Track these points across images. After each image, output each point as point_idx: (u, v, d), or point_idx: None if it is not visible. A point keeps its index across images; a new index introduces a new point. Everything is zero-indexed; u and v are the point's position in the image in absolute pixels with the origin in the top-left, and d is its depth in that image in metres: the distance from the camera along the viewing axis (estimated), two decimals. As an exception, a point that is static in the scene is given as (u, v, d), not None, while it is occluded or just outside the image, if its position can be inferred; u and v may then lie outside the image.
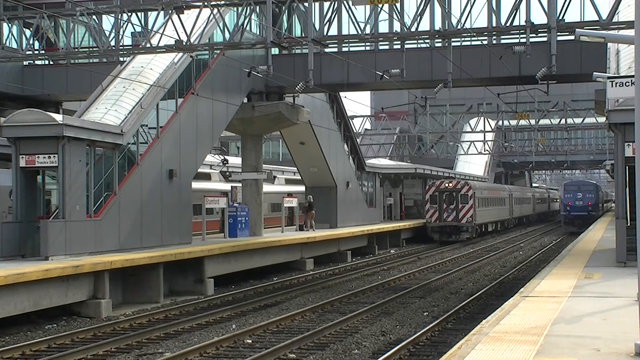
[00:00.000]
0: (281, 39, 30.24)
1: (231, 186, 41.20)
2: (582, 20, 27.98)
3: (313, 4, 29.34)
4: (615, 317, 13.99)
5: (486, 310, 22.12)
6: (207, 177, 43.70)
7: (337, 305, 25.36)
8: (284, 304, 25.71)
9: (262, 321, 21.77)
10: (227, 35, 29.83)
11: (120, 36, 30.53)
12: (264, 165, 40.59)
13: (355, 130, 56.78)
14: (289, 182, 55.24)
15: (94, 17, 33.40)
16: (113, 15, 30.65)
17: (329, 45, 30.35)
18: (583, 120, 69.01)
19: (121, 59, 33.22)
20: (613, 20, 26.65)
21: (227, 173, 44.96)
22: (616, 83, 15.42)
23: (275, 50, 33.30)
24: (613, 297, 16.35)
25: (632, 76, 13.69)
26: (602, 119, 46.79)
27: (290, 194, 44.52)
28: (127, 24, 31.08)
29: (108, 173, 27.46)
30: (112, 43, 30.09)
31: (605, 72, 26.36)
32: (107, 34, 31.35)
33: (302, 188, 46.42)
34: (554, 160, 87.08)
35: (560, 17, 27.34)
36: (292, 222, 46.32)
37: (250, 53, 33.37)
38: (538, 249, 50.61)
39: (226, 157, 48.54)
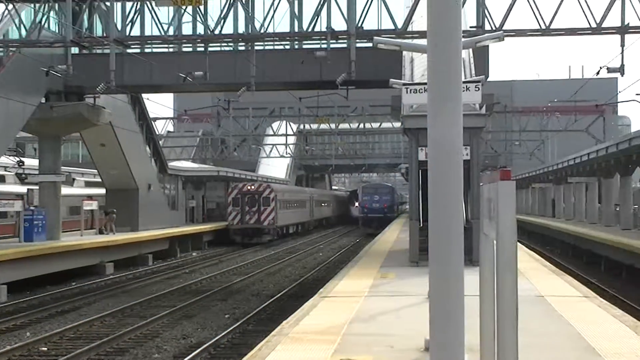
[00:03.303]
0: (82, 38, 29.46)
1: (27, 189, 39.69)
2: (379, 28, 28.95)
3: (115, 3, 28.76)
4: (408, 314, 14.58)
5: (287, 311, 22.44)
6: (0, 179, 41.87)
7: (137, 309, 25.01)
8: (82, 309, 25.08)
9: (59, 327, 21.15)
10: (23, 32, 28.72)
11: None
12: (62, 167, 39.35)
13: (157, 133, 56.10)
14: (89, 184, 53.80)
15: None
16: None
17: (132, 46, 29.86)
18: (380, 125, 71.37)
19: None
20: (408, 30, 27.79)
21: (23, 175, 43.22)
22: (410, 90, 16.11)
23: (75, 50, 32.38)
24: (406, 296, 16.98)
25: (425, 83, 14.32)
26: (398, 124, 48.56)
27: (90, 197, 43.41)
28: None
29: None
30: None
31: (401, 79, 27.40)
32: None
33: (102, 191, 45.39)
34: (353, 163, 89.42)
35: (359, 25, 28.20)
36: (92, 225, 45.15)
37: (49, 51, 32.27)
38: (337, 250, 51.86)
39: (22, 158, 46.64)
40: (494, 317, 5.80)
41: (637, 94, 34.31)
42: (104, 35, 30.84)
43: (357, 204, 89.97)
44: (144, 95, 44.85)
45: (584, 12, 27.24)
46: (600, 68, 29.19)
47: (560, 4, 27.41)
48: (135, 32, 30.15)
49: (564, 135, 66.42)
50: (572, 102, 55.61)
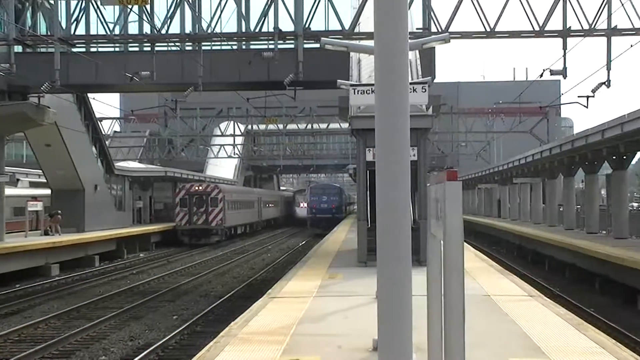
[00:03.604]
0: (25, 37, 29.03)
1: (-30, 189, 38.98)
2: (326, 29, 29.04)
3: (59, 1, 28.41)
4: (356, 315, 14.63)
5: (235, 312, 22.38)
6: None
7: (84, 311, 24.76)
8: (27, 312, 24.74)
9: (3, 330, 20.84)
10: (-35, 30, 28.24)
11: None
12: (6, 168, 38.74)
13: (104, 133, 55.55)
14: (33, 185, 53.09)
15: None
16: None
17: (77, 45, 29.52)
18: (328, 126, 71.55)
19: None
20: (355, 31, 27.92)
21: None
22: (358, 91, 16.20)
23: (19, 48, 31.90)
24: (354, 296, 17.05)
25: (372, 84, 14.40)
26: (345, 125, 48.71)
27: (35, 198, 42.84)
28: None
29: None
30: None
31: (349, 80, 27.50)
32: None
33: (48, 191, 44.85)
34: (301, 164, 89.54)
35: (307, 26, 28.25)
36: (37, 226, 44.57)
37: (-9, 50, 31.75)
38: (286, 251, 51.87)
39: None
40: (442, 316, 5.86)
41: (579, 96, 34.86)
42: (48, 33, 30.45)
43: (302, 204, 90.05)
44: (90, 95, 44.39)
45: (527, 15, 27.66)
46: (544, 70, 29.65)
47: (504, 7, 27.76)
48: (81, 30, 29.82)
49: (509, 136, 67.25)
50: (516, 103, 56.37)
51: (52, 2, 27.92)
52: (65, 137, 40.53)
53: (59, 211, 41.02)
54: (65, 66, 31.03)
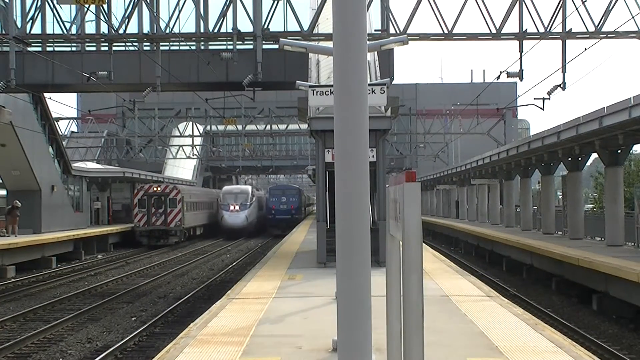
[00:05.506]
0: (-21, 36, 28.66)
1: None
2: (285, 30, 29.06)
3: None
4: (316, 315, 14.67)
5: (194, 313, 22.34)
6: None
7: (40, 313, 24.50)
8: (-18, 315, 24.42)
9: (-42, 333, 20.57)
10: None
11: None
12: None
13: (61, 133, 55.02)
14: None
15: None
16: None
17: (32, 44, 29.20)
18: (287, 127, 71.52)
19: None
20: (314, 32, 27.97)
21: None
22: (317, 92, 16.25)
23: (-27, 47, 31.50)
24: (314, 297, 17.09)
25: (331, 86, 14.44)
26: (304, 126, 48.73)
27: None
28: None
29: None
30: None
31: (308, 81, 27.52)
32: None
33: (3, 192, 44.32)
34: (260, 165, 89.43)
35: (265, 27, 28.24)
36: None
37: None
38: (245, 252, 51.75)
39: None
40: (401, 317, 5.89)
41: (535, 98, 35.24)
42: (3, 32, 30.09)
43: (233, 206, 69.62)
44: (46, 95, 43.94)
45: (484, 18, 27.91)
46: (501, 73, 29.94)
47: (461, 9, 27.98)
48: (36, 30, 29.52)
49: (466, 137, 67.77)
50: (474, 105, 56.83)
51: (7, 0, 27.60)
52: (21, 137, 40.09)
53: (18, 206, 40.17)
54: (21, 65, 30.70)
